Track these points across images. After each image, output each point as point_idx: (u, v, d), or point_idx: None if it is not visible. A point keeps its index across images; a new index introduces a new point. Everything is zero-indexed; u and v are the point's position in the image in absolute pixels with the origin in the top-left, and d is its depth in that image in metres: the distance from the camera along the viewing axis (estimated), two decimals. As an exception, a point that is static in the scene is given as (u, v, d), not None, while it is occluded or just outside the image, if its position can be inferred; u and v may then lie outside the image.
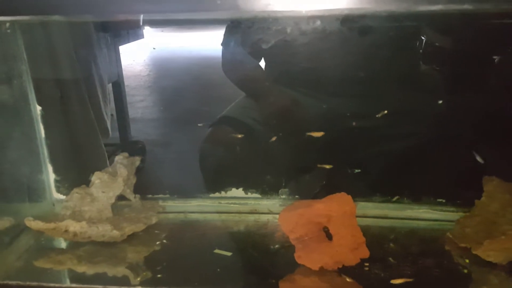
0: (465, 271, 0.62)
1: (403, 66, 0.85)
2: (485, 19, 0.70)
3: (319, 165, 0.79)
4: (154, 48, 1.92)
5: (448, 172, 0.76)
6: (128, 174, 0.72)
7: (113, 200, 0.71)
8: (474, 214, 0.67)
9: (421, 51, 0.84)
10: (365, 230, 0.66)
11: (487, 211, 0.66)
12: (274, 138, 0.81)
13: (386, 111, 0.77)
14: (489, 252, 0.60)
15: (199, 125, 0.90)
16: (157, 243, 0.70)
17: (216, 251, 0.68)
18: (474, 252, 0.61)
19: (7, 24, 0.69)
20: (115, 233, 0.67)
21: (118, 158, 0.73)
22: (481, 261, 0.62)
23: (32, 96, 0.74)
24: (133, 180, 0.75)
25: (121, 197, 0.74)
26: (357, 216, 0.74)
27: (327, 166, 0.78)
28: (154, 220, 0.72)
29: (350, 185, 0.82)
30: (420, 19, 0.78)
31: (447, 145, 0.77)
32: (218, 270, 0.64)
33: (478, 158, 0.72)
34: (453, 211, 0.73)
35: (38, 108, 0.75)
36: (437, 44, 0.84)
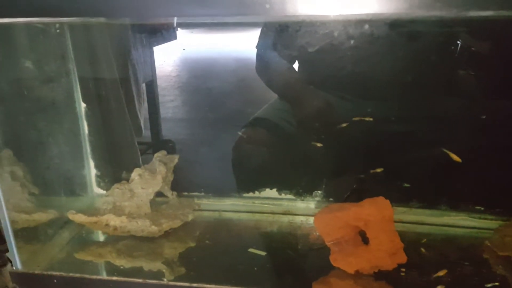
0: (504, 280, 0.61)
1: (444, 71, 0.84)
2: None
3: (372, 171, 0.79)
4: (184, 49, 1.95)
5: (487, 180, 0.74)
6: (166, 172, 0.74)
7: (151, 196, 0.73)
8: (514, 223, 0.66)
9: (456, 55, 0.83)
10: (402, 236, 0.66)
11: (529, 221, 0.64)
12: (319, 145, 0.81)
13: (371, 118, 0.77)
14: (531, 262, 0.59)
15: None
16: (193, 239, 0.72)
17: (251, 250, 0.68)
18: (515, 262, 0.60)
19: (57, 25, 0.72)
20: (154, 228, 0.69)
21: (157, 155, 0.75)
22: (521, 271, 0.61)
23: (78, 94, 0.77)
24: (171, 178, 0.76)
25: (159, 194, 0.76)
26: (397, 221, 0.74)
27: (379, 170, 0.78)
28: (190, 217, 0.74)
29: (385, 190, 0.82)
30: (458, 24, 0.77)
31: (487, 152, 0.75)
32: (255, 269, 0.64)
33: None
34: (491, 219, 0.72)
35: (83, 105, 0.78)
36: (473, 48, 0.82)
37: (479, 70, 0.82)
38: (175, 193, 0.77)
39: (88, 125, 0.80)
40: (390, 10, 0.46)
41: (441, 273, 0.60)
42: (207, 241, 0.72)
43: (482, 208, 0.73)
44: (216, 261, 0.68)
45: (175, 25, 1.37)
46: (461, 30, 0.79)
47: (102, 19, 0.74)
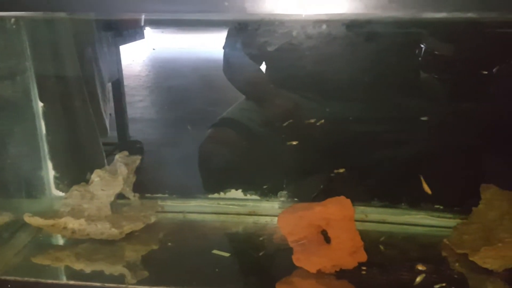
0: (462, 277, 0.63)
1: (405, 73, 0.85)
2: (486, 27, 0.71)
3: (335, 171, 0.80)
4: (154, 49, 1.92)
5: (446, 179, 0.76)
6: (128, 173, 0.72)
7: (112, 198, 0.71)
8: (471, 221, 0.68)
9: (420, 58, 0.85)
10: (364, 235, 0.67)
11: (485, 219, 0.66)
12: (295, 143, 0.81)
13: (323, 120, 0.78)
14: (486, 259, 0.61)
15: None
16: (156, 242, 0.70)
17: (215, 251, 0.68)
18: (471, 259, 0.62)
19: (12, 20, 0.69)
20: (114, 231, 0.67)
21: (118, 156, 0.73)
22: (478, 267, 0.62)
23: (34, 92, 0.74)
24: (133, 179, 0.75)
25: (120, 196, 0.74)
26: (355, 220, 0.75)
27: (341, 170, 0.79)
28: (153, 219, 0.72)
29: (348, 189, 0.83)
30: (421, 27, 0.79)
31: (446, 152, 0.78)
32: (217, 270, 0.64)
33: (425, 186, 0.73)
34: (450, 218, 0.74)
35: (40, 104, 0.75)
36: (436, 52, 0.85)
37: (441, 72, 0.84)
38: (137, 194, 0.75)
39: (46, 125, 0.77)
40: (348, 10, 0.46)
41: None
42: (170, 243, 0.71)
43: (441, 207, 0.75)
44: (179, 263, 0.67)
45: (142, 23, 1.35)
46: (424, 33, 0.81)
47: (61, 14, 0.72)
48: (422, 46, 0.83)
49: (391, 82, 0.82)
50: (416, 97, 0.84)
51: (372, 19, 0.66)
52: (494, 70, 0.79)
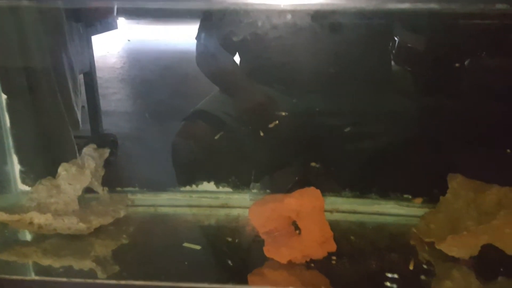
0: (429, 265, 0.64)
1: (377, 65, 0.86)
2: (456, 19, 0.72)
3: (312, 164, 0.80)
4: (129, 40, 1.89)
5: (414, 169, 0.78)
6: (96, 166, 0.71)
7: (80, 193, 0.69)
8: (438, 210, 0.69)
9: (394, 51, 0.85)
10: (335, 225, 0.67)
11: (451, 208, 0.68)
12: (273, 124, 0.81)
13: (285, 113, 0.79)
14: (452, 247, 0.62)
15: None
16: (126, 236, 0.69)
17: (185, 244, 0.67)
18: (437, 247, 0.63)
19: (-28, 8, 0.66)
20: (82, 226, 0.66)
21: (86, 150, 0.72)
22: (445, 255, 0.64)
23: (-3, 84, 0.72)
24: (101, 173, 0.73)
25: (89, 190, 0.73)
26: (327, 211, 0.76)
27: (313, 164, 0.79)
28: (122, 213, 0.71)
29: (322, 181, 0.84)
30: (392, 19, 0.80)
31: (415, 143, 0.79)
32: (186, 263, 0.63)
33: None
34: (418, 207, 0.75)
35: (4, 96, 0.73)
36: (409, 45, 0.86)
37: (413, 64, 0.85)
38: (106, 188, 0.74)
39: (10, 118, 0.75)
40: (315, 0, 0.46)
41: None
42: (141, 237, 0.70)
43: (410, 197, 0.77)
44: (150, 257, 0.66)
45: (115, 13, 1.32)
46: (397, 25, 0.82)
47: (24, 2, 0.69)
48: (395, 38, 0.84)
49: (363, 75, 0.83)
50: (387, 89, 0.85)
51: (340, 10, 0.66)
52: (465, 63, 0.81)
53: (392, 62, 0.87)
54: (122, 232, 0.70)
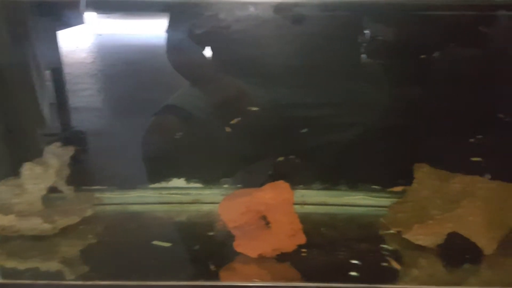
0: (397, 254, 0.65)
1: (346, 57, 0.87)
2: (425, 11, 0.73)
3: (284, 157, 0.80)
4: (100, 35, 1.84)
5: (383, 161, 0.79)
6: (60, 165, 0.69)
7: (44, 192, 0.68)
8: (405, 200, 0.70)
9: (365, 44, 0.86)
10: (305, 218, 0.68)
11: (418, 197, 0.69)
12: (236, 120, 0.80)
13: (256, 108, 0.79)
14: (418, 236, 0.63)
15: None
16: (94, 236, 0.68)
17: (155, 242, 0.67)
18: (404, 236, 0.64)
19: None
20: (46, 226, 0.64)
21: (49, 148, 0.70)
22: (413, 245, 0.65)
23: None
24: (67, 171, 0.71)
25: (54, 189, 0.71)
26: (298, 204, 0.76)
27: (281, 158, 0.79)
28: (89, 212, 0.70)
29: (296, 174, 0.84)
30: (362, 11, 0.80)
31: (383, 134, 0.80)
32: (156, 261, 0.63)
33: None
34: (387, 197, 0.76)
35: (-39, 94, 0.70)
36: (380, 37, 0.86)
37: (384, 56, 0.86)
38: (71, 187, 0.72)
39: (-31, 116, 0.72)
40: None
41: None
42: (109, 236, 0.69)
43: (379, 187, 0.78)
44: (118, 256, 0.65)
45: (82, 7, 1.28)
46: (368, 18, 0.82)
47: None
48: (367, 32, 0.85)
49: (332, 67, 0.83)
50: (357, 81, 0.85)
51: (308, 2, 0.66)
52: (434, 54, 0.82)
53: (363, 55, 0.87)
54: (90, 232, 0.69)
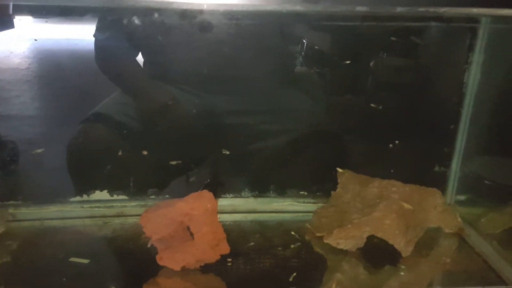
0: (321, 259, 0.66)
1: (282, 66, 0.87)
2: (357, 22, 0.75)
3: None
4: (35, 40, 1.76)
5: (309, 167, 0.80)
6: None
7: None
8: (330, 204, 0.71)
9: (303, 53, 0.87)
10: (234, 226, 0.67)
11: (341, 201, 0.70)
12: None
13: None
14: (339, 240, 0.64)
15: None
16: (8, 254, 0.64)
17: (72, 259, 0.63)
18: (325, 241, 0.65)
19: None
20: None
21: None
22: (337, 249, 0.66)
23: None
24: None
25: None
26: (227, 212, 0.75)
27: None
28: (1, 230, 0.65)
29: (225, 182, 0.83)
30: (298, 22, 0.81)
31: (310, 142, 0.81)
32: (76, 279, 0.60)
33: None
34: (313, 203, 0.77)
35: None
36: (316, 47, 0.88)
37: (320, 65, 0.87)
38: (-19, 204, 0.68)
39: None
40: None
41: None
42: (25, 254, 0.65)
43: (306, 193, 0.79)
44: (33, 275, 0.61)
45: (10, 11, 1.22)
46: (305, 28, 0.83)
47: None
48: (304, 41, 0.86)
49: (265, 75, 0.83)
50: (290, 89, 0.86)
51: (234, 11, 0.66)
52: (371, 64, 0.84)
53: (299, 63, 0.88)
54: (3, 250, 0.65)
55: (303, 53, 0.87)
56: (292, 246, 0.68)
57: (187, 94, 0.87)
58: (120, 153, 0.82)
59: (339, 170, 0.72)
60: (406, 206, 0.65)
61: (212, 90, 0.85)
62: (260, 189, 0.79)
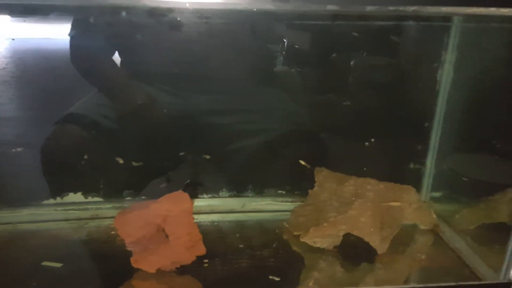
0: (298, 258, 0.66)
1: (260, 65, 0.87)
2: (330, 21, 0.75)
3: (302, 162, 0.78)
4: (13, 39, 1.72)
5: (286, 167, 0.79)
6: None
7: None
8: (307, 203, 0.71)
9: (284, 52, 0.87)
10: (212, 226, 0.66)
11: (318, 200, 0.70)
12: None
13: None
14: (315, 238, 0.64)
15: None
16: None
17: (45, 263, 0.62)
18: (302, 240, 0.65)
19: None
20: None
21: None
22: (314, 247, 0.66)
23: None
24: None
25: None
26: (205, 213, 0.75)
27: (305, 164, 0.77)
28: (-30, 235, 0.64)
29: (203, 182, 0.82)
30: (276, 21, 0.81)
31: (288, 141, 0.81)
32: (48, 284, 0.58)
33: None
34: (291, 202, 0.77)
35: None
36: (296, 46, 0.87)
37: (300, 64, 0.87)
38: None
39: None
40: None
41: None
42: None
43: (284, 192, 0.78)
44: (6, 281, 0.59)
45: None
46: (285, 27, 0.83)
47: None
48: (284, 40, 0.85)
49: (245, 75, 0.83)
50: (270, 88, 0.86)
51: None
52: (351, 63, 0.84)
53: (280, 62, 0.88)
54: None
55: (284, 52, 0.87)
56: (270, 245, 0.68)
57: (164, 93, 0.86)
58: (94, 155, 0.81)
59: (317, 168, 0.72)
60: (394, 203, 0.65)
61: (190, 90, 0.84)
62: (238, 188, 0.79)
